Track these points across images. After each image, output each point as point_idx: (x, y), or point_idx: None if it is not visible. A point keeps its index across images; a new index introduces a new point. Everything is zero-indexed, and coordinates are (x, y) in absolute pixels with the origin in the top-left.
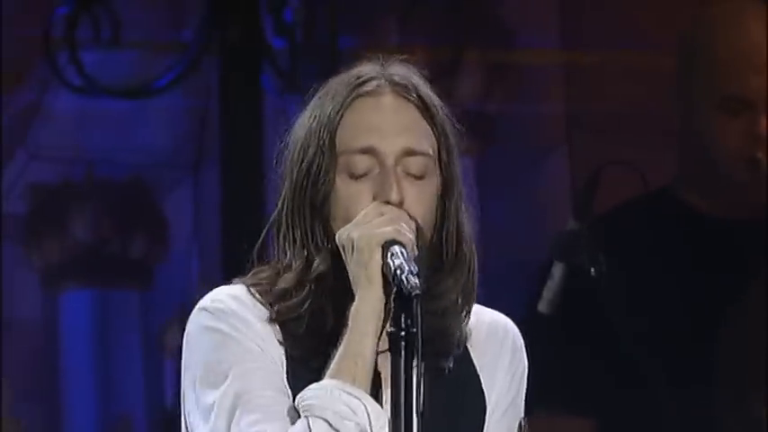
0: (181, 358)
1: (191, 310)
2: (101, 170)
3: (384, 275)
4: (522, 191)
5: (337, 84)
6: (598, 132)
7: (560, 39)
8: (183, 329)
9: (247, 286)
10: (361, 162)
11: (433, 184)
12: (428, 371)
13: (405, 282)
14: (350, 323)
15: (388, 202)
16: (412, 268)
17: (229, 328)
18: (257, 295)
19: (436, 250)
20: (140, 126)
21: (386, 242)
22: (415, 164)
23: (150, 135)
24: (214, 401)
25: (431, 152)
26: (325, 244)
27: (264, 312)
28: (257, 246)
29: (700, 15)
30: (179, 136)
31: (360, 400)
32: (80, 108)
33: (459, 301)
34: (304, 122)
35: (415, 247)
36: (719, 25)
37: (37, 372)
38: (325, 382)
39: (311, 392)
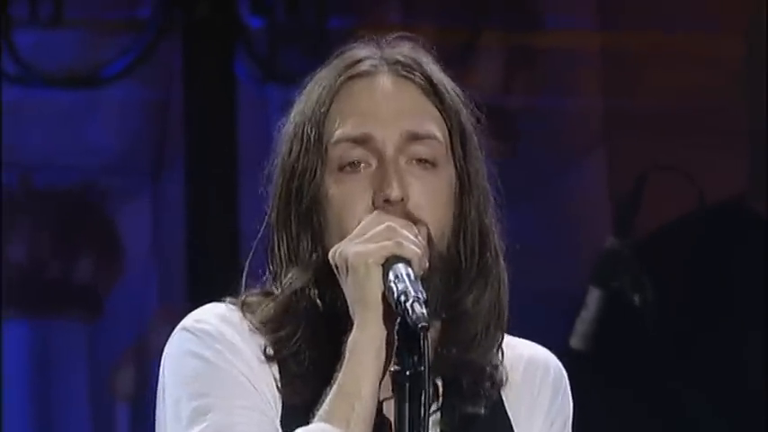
0: (137, 403)
1: (147, 346)
2: (40, 177)
3: (386, 300)
4: (550, 202)
5: (326, 71)
6: (642, 131)
7: (597, 18)
8: (138, 370)
9: (241, 309)
10: (355, 153)
11: (444, 178)
12: (451, 420)
13: (409, 311)
14: (346, 356)
15: (387, 200)
16: (419, 294)
17: (215, 355)
18: (252, 321)
19: (453, 262)
20: (88, 123)
21: (386, 260)
22: (422, 149)
23: (100, 133)
24: None
25: (439, 136)
26: (314, 259)
27: (259, 342)
28: (246, 267)
29: None
30: (135, 134)
31: None
32: (15, 101)
33: (489, 327)
34: (289, 121)
35: (424, 261)
36: None
37: None
38: (316, 426)
39: None
